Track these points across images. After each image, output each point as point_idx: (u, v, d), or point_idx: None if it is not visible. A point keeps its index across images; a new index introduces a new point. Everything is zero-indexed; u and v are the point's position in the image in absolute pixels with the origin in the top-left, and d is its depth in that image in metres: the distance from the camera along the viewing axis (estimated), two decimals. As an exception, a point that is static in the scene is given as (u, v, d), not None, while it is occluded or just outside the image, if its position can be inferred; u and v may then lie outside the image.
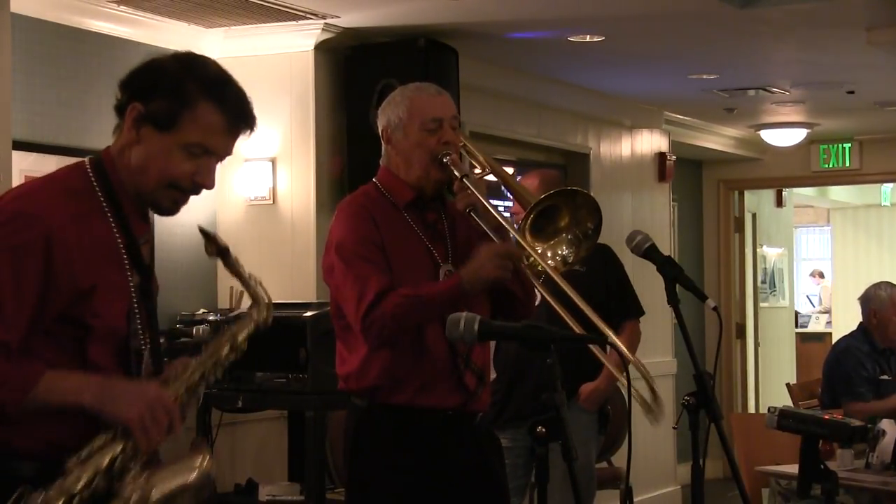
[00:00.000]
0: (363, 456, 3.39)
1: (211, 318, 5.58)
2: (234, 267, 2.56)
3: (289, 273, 5.99)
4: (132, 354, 2.47)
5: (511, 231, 3.40)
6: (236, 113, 2.47)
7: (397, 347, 3.32)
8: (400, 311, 3.24)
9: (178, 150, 2.44)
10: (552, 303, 3.32)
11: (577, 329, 3.26)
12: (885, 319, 6.61)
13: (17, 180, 5.10)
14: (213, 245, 2.56)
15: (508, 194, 3.69)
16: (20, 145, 5.09)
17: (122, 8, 5.56)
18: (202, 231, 2.55)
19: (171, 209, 2.51)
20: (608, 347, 3.66)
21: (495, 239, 3.36)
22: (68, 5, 5.44)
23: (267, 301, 2.60)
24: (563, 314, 3.29)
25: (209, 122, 2.44)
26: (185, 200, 2.52)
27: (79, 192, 2.45)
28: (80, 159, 2.54)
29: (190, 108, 2.43)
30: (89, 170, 2.49)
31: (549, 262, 3.36)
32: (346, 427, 3.45)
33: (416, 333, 3.33)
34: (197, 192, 2.50)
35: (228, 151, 2.50)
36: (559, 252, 3.37)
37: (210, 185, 2.49)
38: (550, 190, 3.51)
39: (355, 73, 6.04)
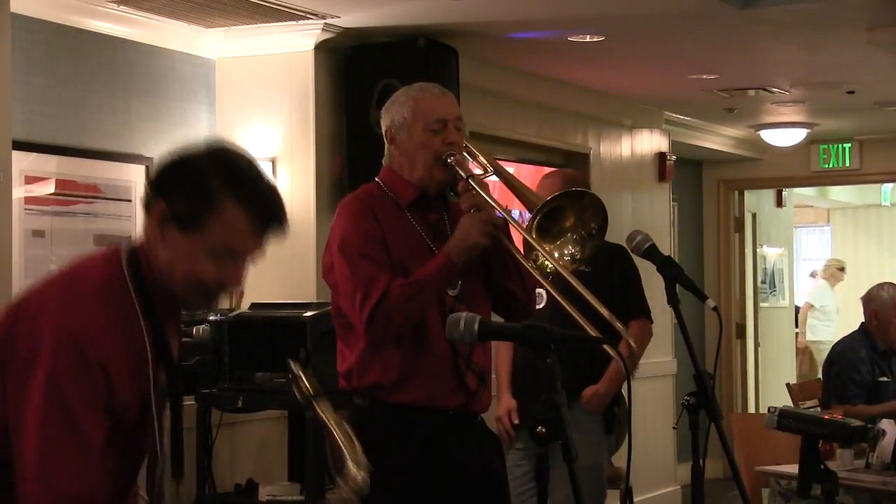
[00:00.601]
0: (364, 456, 3.39)
1: (211, 317, 5.58)
2: (326, 419, 2.47)
3: (289, 273, 5.99)
4: (146, 454, 2.35)
5: (518, 230, 3.40)
6: (264, 214, 2.32)
7: (399, 345, 3.32)
8: (400, 302, 3.25)
9: (203, 253, 2.29)
10: (561, 301, 3.31)
11: (588, 328, 3.25)
12: (885, 321, 6.61)
13: (17, 180, 5.10)
14: (300, 391, 2.50)
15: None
16: (20, 145, 5.09)
17: (122, 8, 5.56)
18: (289, 367, 2.48)
19: (202, 307, 2.40)
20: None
21: (503, 240, 3.36)
22: (68, 5, 5.44)
23: (362, 477, 2.46)
24: (572, 313, 3.28)
25: (235, 225, 2.29)
26: (216, 298, 2.37)
27: (118, 298, 2.29)
28: (112, 247, 2.37)
29: (215, 210, 2.27)
30: (125, 266, 2.33)
31: (559, 261, 3.36)
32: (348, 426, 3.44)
33: (418, 333, 3.33)
34: (227, 291, 2.37)
35: (257, 251, 2.35)
36: (566, 251, 3.37)
37: (238, 285, 2.34)
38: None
39: (355, 73, 6.04)
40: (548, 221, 3.36)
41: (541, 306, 4.62)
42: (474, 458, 3.41)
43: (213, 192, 2.28)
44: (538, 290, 4.48)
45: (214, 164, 2.32)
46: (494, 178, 3.48)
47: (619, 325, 3.29)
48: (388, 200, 3.42)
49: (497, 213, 3.36)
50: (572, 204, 3.38)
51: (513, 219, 3.42)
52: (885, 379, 6.55)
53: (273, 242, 2.39)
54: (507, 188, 3.56)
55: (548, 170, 8.01)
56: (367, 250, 3.32)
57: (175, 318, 2.43)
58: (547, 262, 3.34)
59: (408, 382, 3.33)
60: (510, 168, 7.46)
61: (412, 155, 3.41)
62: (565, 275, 3.30)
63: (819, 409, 6.69)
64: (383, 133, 3.48)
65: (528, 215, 3.40)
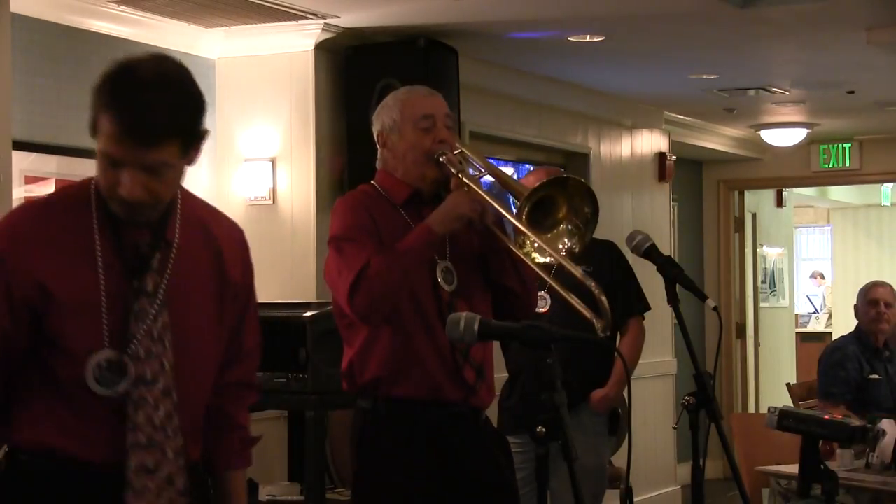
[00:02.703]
0: (369, 457, 3.39)
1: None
2: None
3: (289, 273, 5.99)
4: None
5: (511, 219, 3.40)
6: (132, 123, 2.32)
7: (396, 338, 3.32)
8: (381, 270, 3.26)
9: (100, 159, 2.38)
10: (564, 294, 3.30)
11: (587, 313, 3.24)
12: (863, 314, 6.61)
13: (17, 180, 5.10)
14: None
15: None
16: (20, 145, 5.09)
17: (122, 8, 5.56)
18: None
19: (128, 218, 2.41)
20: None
21: (497, 233, 3.37)
22: (68, 5, 5.44)
23: None
24: (576, 304, 3.28)
25: (107, 131, 2.34)
26: (136, 209, 2.39)
27: (65, 208, 2.45)
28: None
29: (97, 117, 2.36)
30: (94, 185, 2.46)
31: (554, 249, 3.36)
32: (352, 429, 3.45)
33: (415, 327, 3.33)
34: (130, 201, 2.38)
35: (140, 161, 2.34)
36: (561, 244, 3.37)
37: (129, 196, 2.36)
38: None
39: (355, 73, 6.04)
40: (539, 214, 3.36)
41: (543, 310, 4.62)
42: (481, 456, 3.41)
43: (99, 99, 2.36)
44: (541, 294, 4.49)
45: (111, 73, 2.38)
46: (489, 178, 3.49)
47: (591, 315, 3.27)
48: (382, 200, 3.44)
49: (490, 206, 3.37)
50: (560, 193, 3.38)
51: (507, 206, 3.41)
52: (876, 376, 6.53)
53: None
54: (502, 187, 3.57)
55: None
56: (352, 235, 3.34)
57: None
58: (535, 254, 3.35)
59: (407, 375, 3.33)
60: (508, 170, 7.49)
61: (404, 155, 3.43)
62: (561, 260, 3.30)
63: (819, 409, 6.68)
64: (375, 138, 3.50)
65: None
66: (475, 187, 3.35)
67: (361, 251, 3.30)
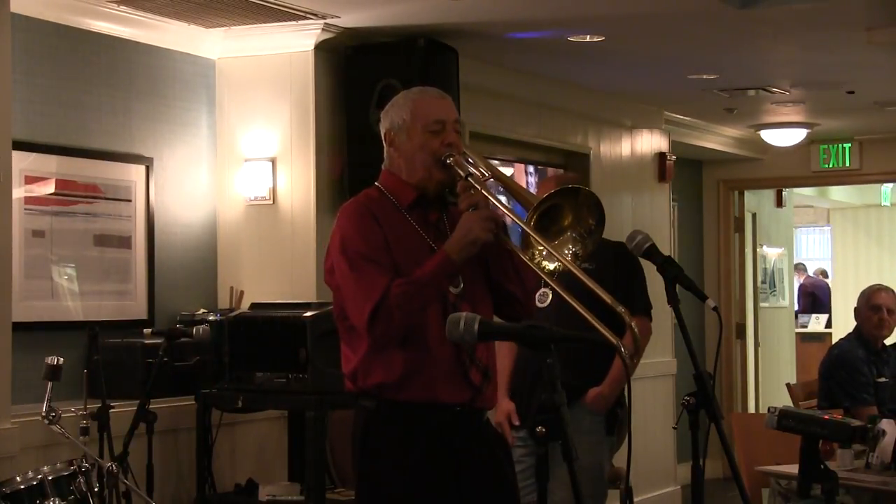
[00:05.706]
0: (372, 457, 3.39)
1: (211, 318, 5.58)
2: None
3: (289, 273, 5.99)
4: None
5: (521, 224, 3.39)
6: None
7: (403, 344, 3.32)
8: (401, 302, 3.26)
9: None
10: (566, 297, 3.29)
11: (597, 325, 3.22)
12: (864, 317, 6.61)
13: (17, 180, 5.10)
14: None
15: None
16: (20, 145, 5.09)
17: (123, 8, 5.56)
18: None
19: None
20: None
21: (505, 239, 3.37)
22: (68, 5, 5.44)
23: None
24: (581, 310, 3.26)
25: None
26: None
27: None
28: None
29: None
30: None
31: (563, 257, 3.35)
32: (355, 429, 3.45)
33: (421, 331, 3.33)
34: None
35: None
36: (566, 250, 3.37)
37: None
38: None
39: (355, 73, 6.04)
40: (546, 221, 3.36)
41: (544, 305, 4.62)
42: (483, 456, 3.41)
43: None
44: (544, 290, 4.49)
45: None
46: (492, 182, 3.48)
47: (621, 310, 3.24)
48: (388, 203, 3.43)
49: (497, 210, 3.36)
50: (569, 202, 3.37)
51: (515, 214, 3.42)
52: (883, 379, 6.53)
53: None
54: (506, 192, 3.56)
55: (550, 171, 8.06)
56: (367, 252, 3.33)
57: None
58: (544, 262, 3.34)
59: (413, 380, 3.33)
60: (508, 170, 7.49)
61: (411, 156, 3.42)
62: (570, 266, 3.29)
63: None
64: (382, 136, 3.49)
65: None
66: (483, 190, 3.35)
67: (381, 276, 3.29)
